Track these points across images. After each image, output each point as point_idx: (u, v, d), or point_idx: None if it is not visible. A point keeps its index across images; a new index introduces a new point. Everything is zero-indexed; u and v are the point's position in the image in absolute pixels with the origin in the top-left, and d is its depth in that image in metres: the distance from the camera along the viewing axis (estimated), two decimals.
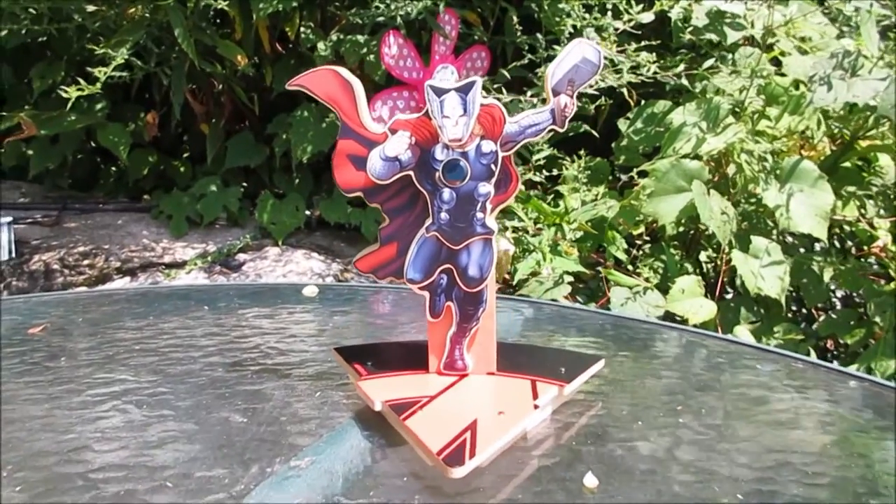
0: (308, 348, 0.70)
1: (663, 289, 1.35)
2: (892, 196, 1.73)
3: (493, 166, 0.50)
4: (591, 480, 0.45)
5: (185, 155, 2.24)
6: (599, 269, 1.44)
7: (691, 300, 1.28)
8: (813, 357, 1.25)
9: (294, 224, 1.86)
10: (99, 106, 1.92)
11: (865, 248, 1.76)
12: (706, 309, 1.28)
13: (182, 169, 2.12)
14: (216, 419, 0.53)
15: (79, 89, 1.33)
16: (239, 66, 1.72)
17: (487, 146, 0.50)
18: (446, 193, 0.50)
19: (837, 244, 1.72)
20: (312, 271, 1.67)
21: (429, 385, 0.54)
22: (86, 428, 0.52)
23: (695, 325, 1.30)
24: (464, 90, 0.48)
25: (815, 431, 0.56)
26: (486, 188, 0.50)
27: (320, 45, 1.69)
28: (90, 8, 1.61)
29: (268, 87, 1.96)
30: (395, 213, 0.53)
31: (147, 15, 1.56)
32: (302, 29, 1.75)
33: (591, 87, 1.63)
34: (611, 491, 0.45)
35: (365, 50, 1.68)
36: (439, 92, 0.48)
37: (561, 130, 0.51)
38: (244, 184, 2.02)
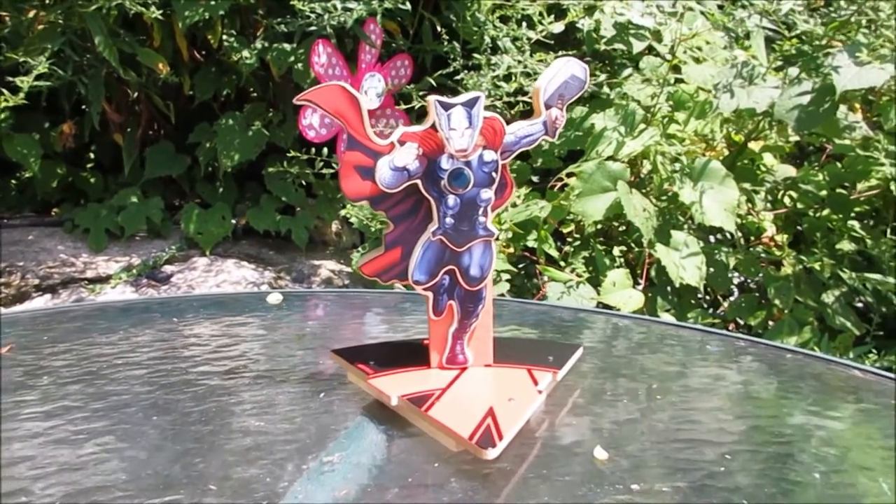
0: (294, 353, 0.72)
1: (593, 282, 1.44)
2: (777, 191, 1.90)
3: (494, 174, 0.55)
4: (601, 453, 0.50)
5: (90, 166, 2.15)
6: (534, 266, 1.51)
7: (622, 291, 1.37)
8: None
9: (222, 233, 1.83)
10: (2, 116, 1.82)
11: (755, 238, 1.92)
12: (635, 299, 1.38)
13: (93, 180, 2.04)
14: (232, 425, 0.55)
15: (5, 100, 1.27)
16: (160, 74, 1.68)
17: (489, 156, 0.54)
18: (451, 200, 0.54)
19: (730, 236, 1.88)
20: (246, 280, 1.65)
21: (435, 378, 0.57)
22: (103, 440, 0.53)
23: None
24: (469, 105, 0.52)
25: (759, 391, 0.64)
26: (488, 194, 0.55)
27: (245, 53, 1.68)
28: None
29: (185, 96, 1.92)
30: (400, 220, 0.56)
31: (61, 21, 1.50)
32: (224, 37, 1.73)
33: (507, 94, 1.71)
34: (617, 462, 0.50)
35: (292, 58, 1.68)
36: (447, 106, 0.52)
37: (552, 140, 0.56)
38: (163, 194, 1.97)
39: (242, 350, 0.72)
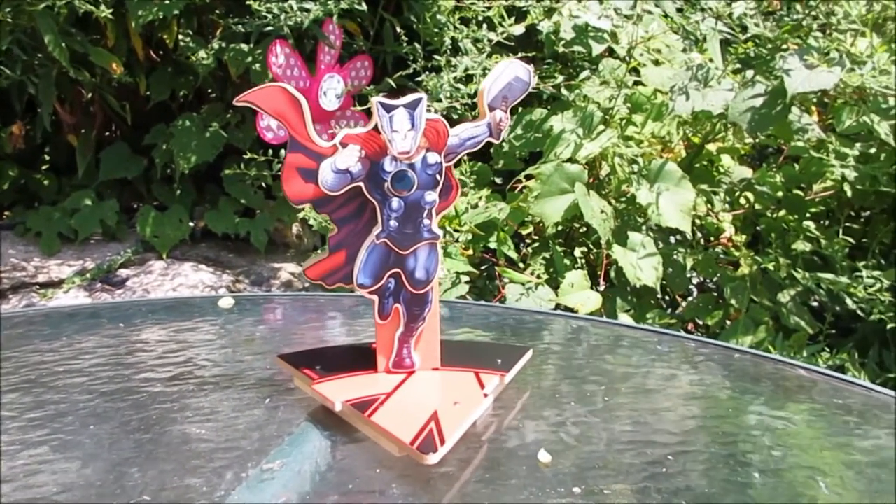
0: (242, 358, 0.71)
1: (552, 283, 1.44)
2: (735, 192, 1.93)
3: (438, 176, 0.54)
4: (544, 456, 0.50)
5: (44, 167, 2.10)
6: (494, 268, 1.52)
7: (580, 293, 1.38)
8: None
9: (179, 236, 1.80)
10: None
11: (713, 238, 1.95)
12: (593, 300, 1.39)
13: (46, 182, 1.99)
14: (172, 433, 0.54)
15: None
16: (114, 74, 1.65)
17: (433, 157, 0.54)
18: (395, 202, 0.54)
19: (689, 236, 1.91)
20: (203, 283, 1.63)
21: (381, 383, 0.57)
22: (36, 452, 0.51)
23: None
24: (411, 106, 0.52)
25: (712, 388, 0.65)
26: (432, 196, 0.54)
27: (201, 54, 1.66)
28: None
29: (141, 97, 1.89)
30: (344, 222, 0.56)
31: (10, 20, 1.46)
32: (181, 37, 1.71)
33: (468, 95, 1.71)
34: (561, 464, 0.50)
35: (250, 59, 1.66)
36: (388, 108, 0.52)
37: (497, 142, 0.56)
38: (119, 197, 1.93)
39: (189, 356, 0.71)
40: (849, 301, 1.68)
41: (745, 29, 1.65)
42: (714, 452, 0.54)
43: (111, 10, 1.51)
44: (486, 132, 0.55)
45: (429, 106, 1.56)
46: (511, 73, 0.54)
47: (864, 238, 1.85)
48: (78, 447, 0.52)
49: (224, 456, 0.50)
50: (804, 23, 1.60)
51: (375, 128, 0.52)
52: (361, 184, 0.53)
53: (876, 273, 1.60)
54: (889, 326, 1.50)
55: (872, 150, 1.67)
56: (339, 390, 0.55)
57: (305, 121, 0.53)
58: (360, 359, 0.60)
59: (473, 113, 1.74)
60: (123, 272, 1.70)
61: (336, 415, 0.55)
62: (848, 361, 1.58)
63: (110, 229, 1.86)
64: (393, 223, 0.54)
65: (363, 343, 0.64)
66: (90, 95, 1.89)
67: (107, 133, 2.05)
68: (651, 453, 0.52)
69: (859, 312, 1.62)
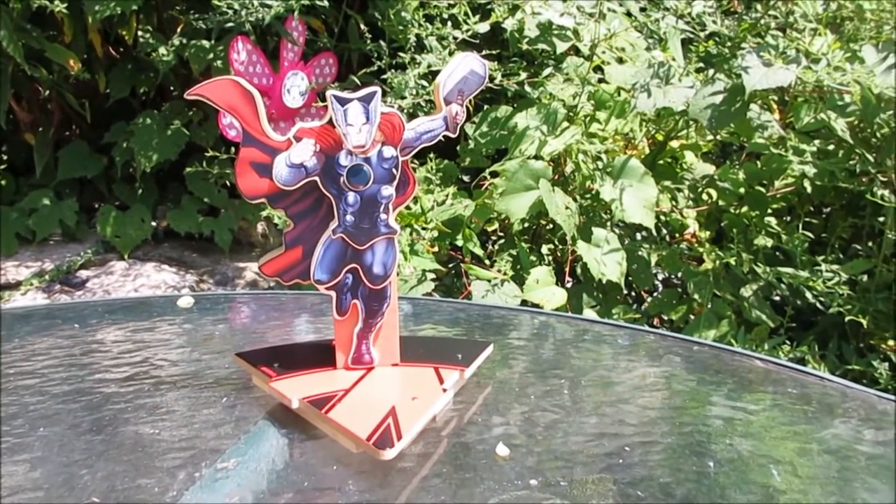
0: (201, 357, 0.70)
1: (518, 280, 1.45)
2: (698, 188, 1.96)
3: (394, 170, 0.54)
4: (502, 450, 0.50)
5: (2, 167, 2.05)
6: (461, 264, 1.52)
7: (545, 289, 1.39)
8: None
9: (141, 236, 1.77)
10: None
11: (678, 235, 1.98)
12: (558, 296, 1.39)
13: (3, 182, 1.94)
14: (125, 433, 0.53)
15: None
16: (72, 70, 1.61)
17: (388, 152, 0.53)
18: (351, 197, 0.53)
19: (654, 232, 1.93)
20: (166, 284, 1.60)
21: (340, 379, 0.56)
22: None
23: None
24: (366, 99, 0.51)
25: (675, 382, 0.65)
26: (389, 191, 0.54)
27: (162, 50, 1.63)
28: None
29: (100, 94, 1.85)
30: (300, 218, 0.55)
31: None
32: (140, 33, 1.68)
33: (432, 92, 1.71)
34: (519, 458, 0.50)
35: (211, 56, 1.64)
36: (343, 101, 0.51)
37: (453, 136, 0.56)
38: (79, 196, 1.89)
39: (146, 356, 0.69)
40: (809, 295, 1.71)
41: (704, 27, 1.67)
42: (671, 443, 0.54)
43: (66, 5, 1.47)
44: (442, 126, 0.55)
45: (394, 103, 1.56)
46: (466, 66, 0.54)
47: (824, 233, 1.89)
48: (26, 449, 0.50)
49: (178, 455, 0.49)
50: (762, 21, 1.62)
51: (330, 121, 0.52)
52: (317, 178, 0.53)
53: (835, 267, 1.64)
54: (847, 319, 1.54)
55: (831, 147, 1.70)
56: (297, 387, 0.55)
57: (259, 114, 0.53)
58: (319, 356, 0.60)
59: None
60: (83, 273, 1.66)
61: (294, 413, 0.54)
62: (808, 354, 1.61)
63: (70, 229, 1.82)
64: (349, 218, 0.54)
65: (323, 340, 0.64)
66: (47, 93, 1.85)
67: (65, 132, 2.01)
68: (609, 445, 0.52)
69: (819, 306, 1.65)
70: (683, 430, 0.57)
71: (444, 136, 0.56)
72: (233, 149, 1.51)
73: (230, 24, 1.52)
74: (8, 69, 1.60)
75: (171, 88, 1.95)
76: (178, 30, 1.75)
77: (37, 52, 1.65)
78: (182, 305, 0.85)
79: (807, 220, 1.80)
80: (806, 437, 0.57)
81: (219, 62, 1.65)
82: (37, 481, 0.46)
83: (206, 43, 1.67)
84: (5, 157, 2.05)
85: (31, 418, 0.55)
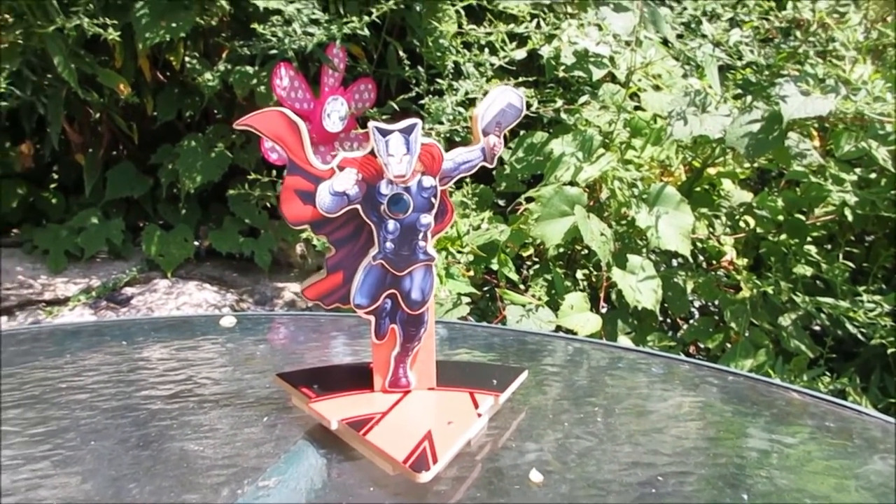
0: (242, 377, 0.72)
1: (553, 305, 1.45)
2: (736, 216, 1.94)
3: (433, 199, 0.56)
4: (536, 476, 0.51)
5: (53, 186, 2.13)
6: (495, 288, 1.53)
7: (579, 315, 1.39)
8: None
9: (183, 255, 1.82)
10: None
11: (715, 262, 1.96)
12: (592, 322, 1.39)
13: (54, 201, 2.02)
14: (170, 449, 0.55)
15: None
16: (122, 94, 1.67)
17: (428, 181, 0.55)
18: (391, 224, 0.55)
19: (691, 259, 1.92)
20: (207, 302, 1.64)
21: (377, 402, 0.58)
22: (38, 466, 0.52)
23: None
24: (406, 131, 0.53)
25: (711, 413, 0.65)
26: (427, 219, 0.56)
27: (207, 75, 1.68)
28: None
29: (148, 117, 1.92)
30: (341, 244, 0.57)
31: (20, 42, 1.49)
32: (187, 59, 1.74)
33: (470, 118, 1.73)
34: (553, 484, 0.51)
35: (255, 81, 1.69)
36: (384, 132, 0.53)
37: (490, 166, 0.57)
38: (125, 216, 1.95)
39: (189, 374, 0.72)
40: (850, 325, 1.68)
41: (741, 56, 1.66)
42: (705, 474, 0.54)
43: (119, 33, 1.54)
44: (479, 156, 0.56)
45: (431, 129, 1.58)
46: (504, 99, 0.56)
47: (865, 262, 1.85)
48: (78, 462, 0.52)
49: (221, 472, 0.51)
50: (801, 49, 1.62)
51: (372, 152, 0.54)
52: (358, 206, 0.55)
53: (877, 297, 1.60)
54: (890, 351, 1.50)
55: (873, 176, 1.68)
56: (336, 409, 0.56)
57: (304, 144, 0.55)
58: (357, 378, 0.61)
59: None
60: (128, 290, 1.71)
61: (332, 433, 0.55)
62: (849, 386, 1.57)
63: (116, 248, 1.88)
64: (389, 245, 0.56)
65: (361, 362, 0.65)
66: (98, 115, 1.92)
67: (114, 153, 2.08)
68: (643, 474, 0.52)
69: (860, 337, 1.62)
70: (718, 461, 0.57)
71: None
72: (274, 171, 1.55)
73: (273, 51, 1.56)
74: (62, 93, 1.67)
75: (216, 112, 2.01)
76: (223, 56, 1.81)
77: (89, 76, 1.72)
78: (225, 325, 0.87)
79: (848, 248, 1.77)
80: (844, 472, 0.57)
81: (262, 87, 1.70)
82: (88, 493, 0.48)
83: (249, 68, 1.72)
84: (56, 177, 2.13)
85: (82, 432, 0.58)
